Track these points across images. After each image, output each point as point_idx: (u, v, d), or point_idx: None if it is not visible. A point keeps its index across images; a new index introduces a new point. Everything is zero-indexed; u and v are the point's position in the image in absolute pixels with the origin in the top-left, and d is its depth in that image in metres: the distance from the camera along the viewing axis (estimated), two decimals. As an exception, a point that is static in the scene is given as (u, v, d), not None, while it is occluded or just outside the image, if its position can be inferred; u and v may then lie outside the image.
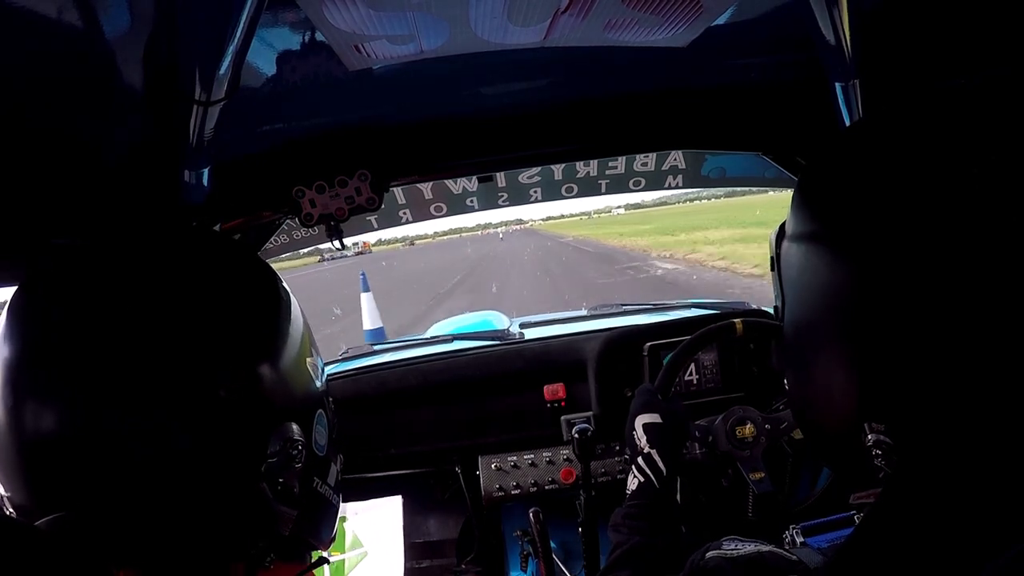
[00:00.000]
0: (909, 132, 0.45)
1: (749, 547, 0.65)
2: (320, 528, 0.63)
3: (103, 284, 0.49)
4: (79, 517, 0.46)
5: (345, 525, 1.27)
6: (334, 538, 0.68)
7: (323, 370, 0.64)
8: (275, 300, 0.58)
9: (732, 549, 0.65)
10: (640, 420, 0.94)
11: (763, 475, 1.09)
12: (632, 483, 0.89)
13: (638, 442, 0.92)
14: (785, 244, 0.55)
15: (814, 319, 0.50)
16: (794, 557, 0.62)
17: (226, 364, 0.51)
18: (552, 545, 1.42)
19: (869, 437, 0.46)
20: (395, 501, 1.31)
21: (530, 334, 1.86)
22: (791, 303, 0.54)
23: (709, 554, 0.66)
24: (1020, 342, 0.38)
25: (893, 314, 0.42)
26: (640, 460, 0.90)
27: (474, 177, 1.56)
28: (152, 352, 0.47)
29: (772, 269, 0.63)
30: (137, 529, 0.47)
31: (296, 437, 0.55)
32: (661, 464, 0.88)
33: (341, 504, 0.68)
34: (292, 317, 0.59)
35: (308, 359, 0.60)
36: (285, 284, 0.61)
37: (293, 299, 0.61)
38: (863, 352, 0.45)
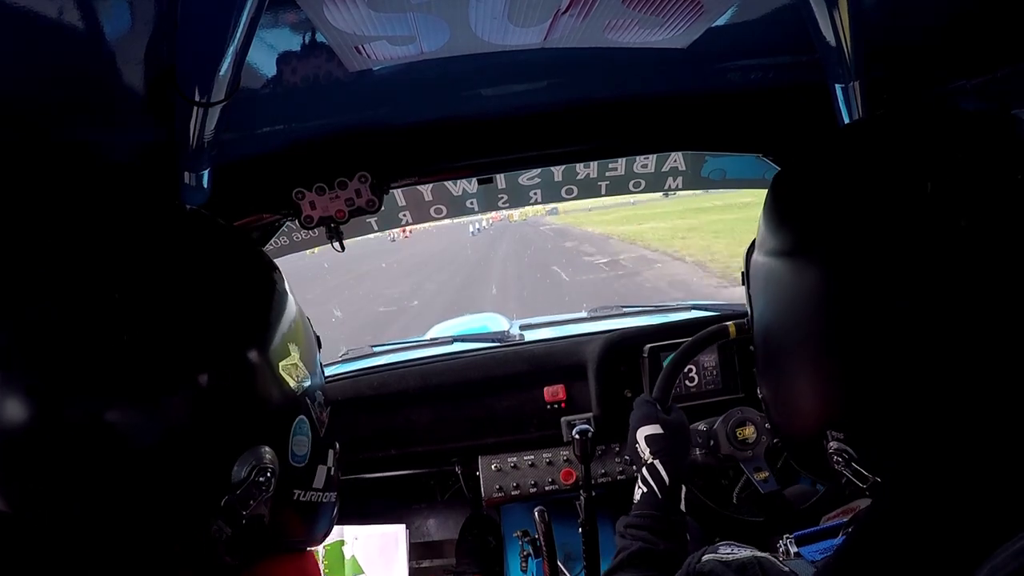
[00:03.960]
0: (870, 153, 0.48)
1: (745, 552, 0.66)
2: (307, 532, 0.60)
3: (96, 284, 0.49)
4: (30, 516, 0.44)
5: (344, 549, 1.25)
6: (329, 531, 0.65)
7: (308, 369, 0.59)
8: (235, 309, 0.53)
9: (728, 553, 0.66)
10: (641, 432, 0.95)
11: (767, 474, 1.09)
12: (636, 493, 0.90)
13: (641, 454, 0.93)
14: (754, 257, 0.57)
15: (778, 330, 0.53)
16: (787, 568, 0.64)
17: (177, 378, 0.46)
18: (551, 546, 1.42)
19: (830, 444, 0.49)
20: (399, 529, 1.28)
21: (530, 336, 1.86)
22: (758, 313, 0.57)
23: (705, 557, 0.68)
24: (974, 348, 0.41)
25: (850, 326, 0.45)
26: (644, 471, 0.91)
27: (474, 179, 1.56)
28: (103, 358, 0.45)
29: (743, 283, 0.65)
30: (77, 539, 0.45)
31: (266, 462, 0.50)
32: (664, 474, 0.89)
33: (340, 527, 0.63)
34: (260, 319, 0.54)
35: (284, 362, 0.55)
36: (275, 278, 0.58)
37: (272, 295, 0.56)
38: (824, 363, 0.48)
